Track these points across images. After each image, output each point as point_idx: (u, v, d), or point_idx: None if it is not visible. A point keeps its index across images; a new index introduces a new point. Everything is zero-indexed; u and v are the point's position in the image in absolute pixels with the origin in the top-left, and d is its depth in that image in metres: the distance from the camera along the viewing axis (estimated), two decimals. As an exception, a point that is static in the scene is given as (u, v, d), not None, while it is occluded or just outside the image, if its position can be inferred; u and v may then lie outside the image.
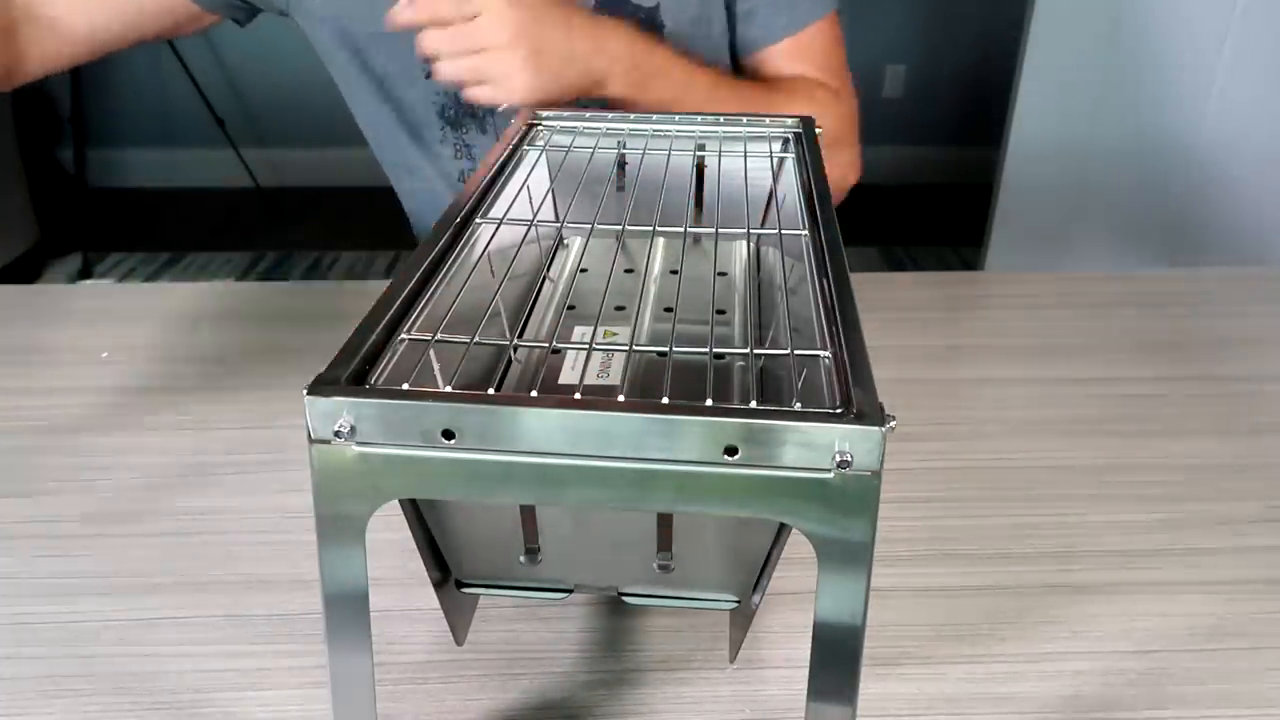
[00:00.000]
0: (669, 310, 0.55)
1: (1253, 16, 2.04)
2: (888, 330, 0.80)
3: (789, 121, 0.65)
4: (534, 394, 0.35)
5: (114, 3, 0.82)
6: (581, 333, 0.53)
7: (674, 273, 0.62)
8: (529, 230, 0.52)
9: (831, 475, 0.35)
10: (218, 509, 0.61)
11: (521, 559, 0.47)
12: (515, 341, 0.42)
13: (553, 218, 0.58)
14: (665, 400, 0.35)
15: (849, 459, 0.34)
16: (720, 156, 0.64)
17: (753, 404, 0.35)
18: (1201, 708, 0.49)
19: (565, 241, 0.62)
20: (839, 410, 0.35)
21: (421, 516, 0.46)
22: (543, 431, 0.35)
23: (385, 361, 0.39)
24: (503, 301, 0.49)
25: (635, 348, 0.41)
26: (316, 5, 0.86)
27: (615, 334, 0.53)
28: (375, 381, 0.37)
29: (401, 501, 0.43)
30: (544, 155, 0.63)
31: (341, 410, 0.35)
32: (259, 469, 0.63)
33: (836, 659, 0.39)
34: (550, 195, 0.60)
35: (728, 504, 0.36)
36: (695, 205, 0.66)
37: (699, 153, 0.65)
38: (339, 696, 0.40)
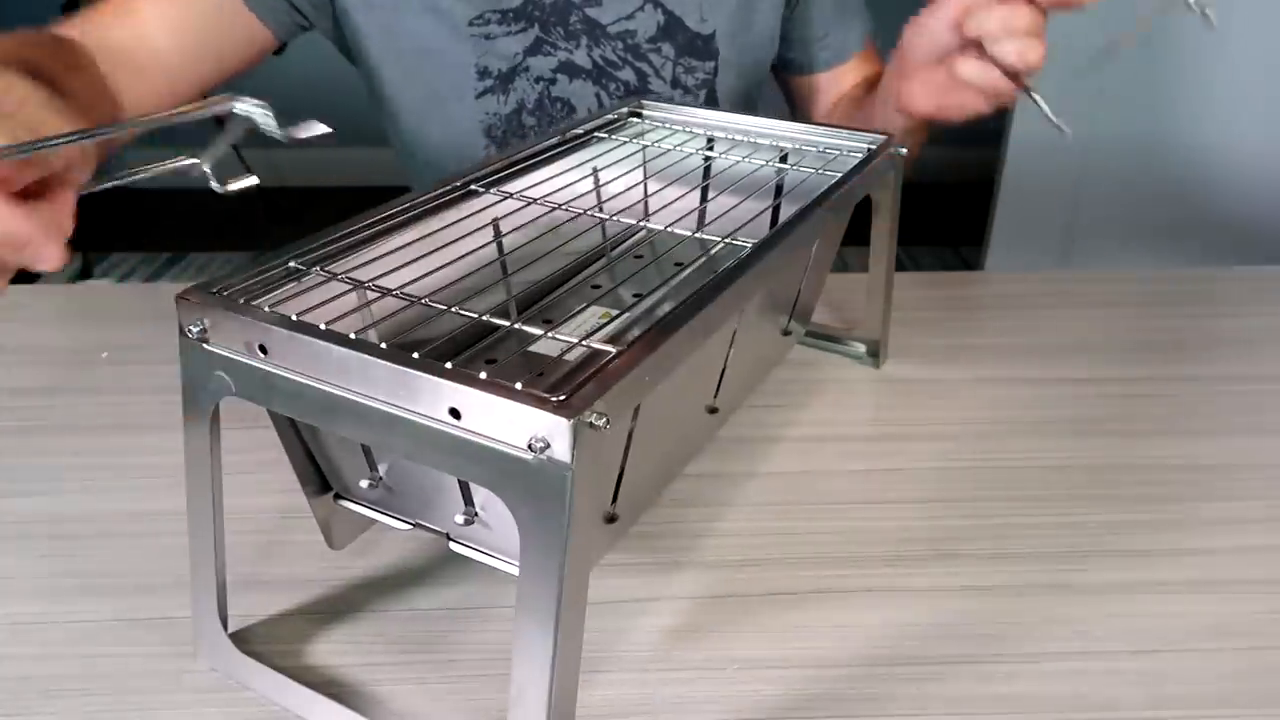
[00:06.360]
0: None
1: (1253, 15, 2.04)
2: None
3: (866, 136, 0.68)
4: (325, 328, 0.41)
5: (200, 44, 0.82)
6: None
7: (601, 255, 0.68)
8: (526, 206, 0.56)
9: (530, 457, 0.36)
10: (218, 509, 0.61)
11: (363, 484, 0.50)
12: (370, 283, 0.47)
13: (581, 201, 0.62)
14: (415, 356, 0.38)
15: (545, 444, 0.35)
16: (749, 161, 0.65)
17: (482, 375, 0.37)
18: (1201, 708, 0.49)
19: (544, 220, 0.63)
20: (550, 397, 0.36)
21: (298, 430, 0.51)
22: (326, 362, 0.40)
23: (287, 289, 0.46)
24: (434, 262, 0.52)
25: (427, 302, 0.46)
26: (370, 17, 0.86)
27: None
28: (244, 299, 0.44)
29: (274, 417, 0.49)
30: (616, 145, 0.68)
31: (199, 314, 0.43)
32: (259, 469, 0.63)
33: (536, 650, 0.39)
34: (594, 179, 0.65)
35: (449, 463, 0.39)
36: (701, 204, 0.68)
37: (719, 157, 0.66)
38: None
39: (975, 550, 0.59)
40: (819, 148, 0.68)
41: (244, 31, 0.84)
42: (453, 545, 0.50)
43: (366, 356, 0.39)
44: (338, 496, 0.54)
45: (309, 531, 0.56)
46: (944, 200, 3.00)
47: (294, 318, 0.41)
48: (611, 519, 0.51)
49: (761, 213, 0.68)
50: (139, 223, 3.01)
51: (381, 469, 0.50)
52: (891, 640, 0.52)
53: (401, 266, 0.49)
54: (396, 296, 0.47)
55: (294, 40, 0.95)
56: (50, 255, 0.45)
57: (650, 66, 0.90)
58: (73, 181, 0.47)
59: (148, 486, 0.64)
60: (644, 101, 0.74)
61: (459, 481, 0.46)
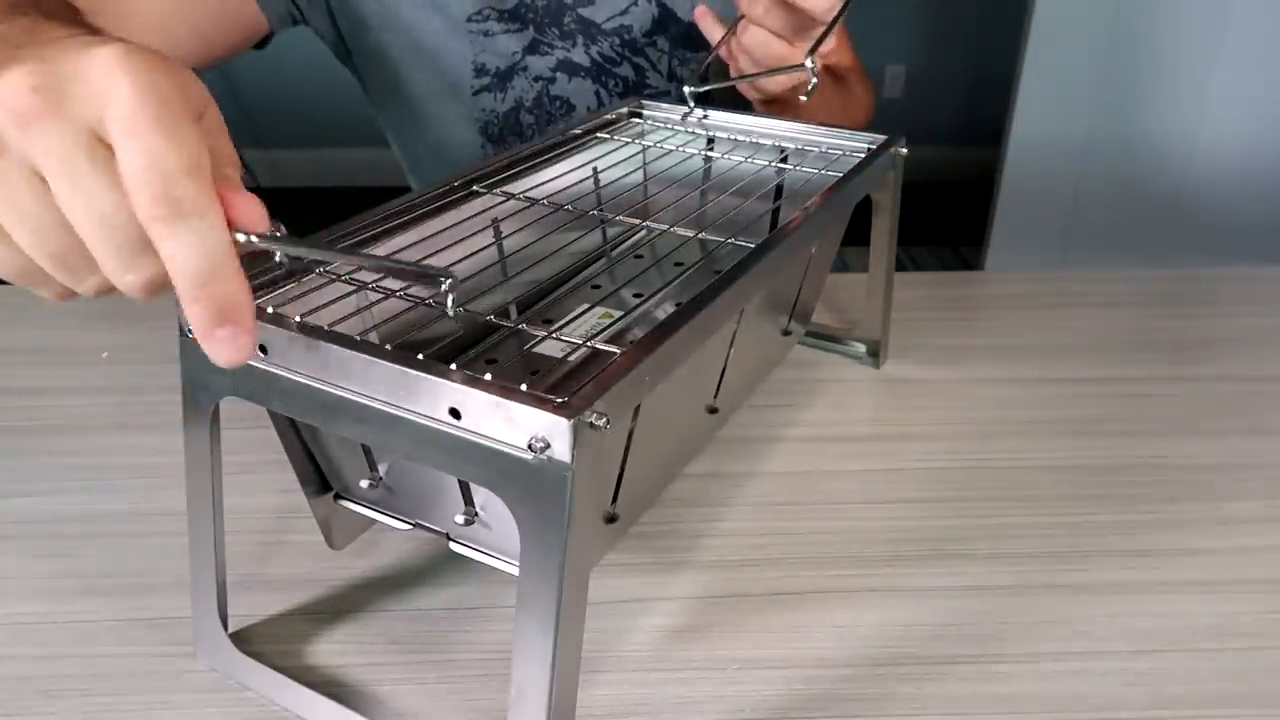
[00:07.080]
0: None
1: (1251, 16, 2.04)
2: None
3: (866, 136, 0.68)
4: (327, 329, 0.40)
5: (189, 25, 0.80)
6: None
7: (600, 258, 0.68)
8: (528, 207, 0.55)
9: (530, 457, 0.36)
10: (218, 509, 0.61)
11: (363, 484, 0.50)
12: (372, 284, 0.47)
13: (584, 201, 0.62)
14: (420, 357, 0.38)
15: (545, 444, 0.36)
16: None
17: (486, 376, 0.37)
18: (1201, 708, 0.49)
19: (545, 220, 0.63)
20: (552, 397, 0.36)
21: (298, 430, 0.51)
22: (322, 361, 0.40)
23: (288, 290, 0.46)
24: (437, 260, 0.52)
25: (425, 299, 0.46)
26: (370, 9, 0.85)
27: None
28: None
29: (274, 417, 0.48)
30: (617, 148, 0.68)
31: None
32: (259, 469, 0.63)
33: (537, 645, 0.39)
34: (594, 179, 0.65)
35: (449, 463, 0.39)
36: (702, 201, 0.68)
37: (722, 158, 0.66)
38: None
39: (975, 550, 0.59)
40: (820, 148, 0.68)
41: (238, 13, 0.81)
42: (453, 545, 0.50)
43: (368, 357, 0.39)
44: (338, 496, 0.54)
45: (309, 531, 0.56)
46: (944, 200, 3.00)
47: (296, 319, 0.41)
48: (611, 519, 0.51)
49: (762, 214, 0.68)
50: (139, 223, 3.01)
51: (381, 469, 0.50)
52: (891, 640, 0.52)
53: None
54: (399, 298, 0.47)
55: (292, 40, 0.94)
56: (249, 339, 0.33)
57: (647, 61, 0.90)
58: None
59: (148, 486, 0.64)
60: (644, 102, 0.74)
61: (459, 481, 0.46)
